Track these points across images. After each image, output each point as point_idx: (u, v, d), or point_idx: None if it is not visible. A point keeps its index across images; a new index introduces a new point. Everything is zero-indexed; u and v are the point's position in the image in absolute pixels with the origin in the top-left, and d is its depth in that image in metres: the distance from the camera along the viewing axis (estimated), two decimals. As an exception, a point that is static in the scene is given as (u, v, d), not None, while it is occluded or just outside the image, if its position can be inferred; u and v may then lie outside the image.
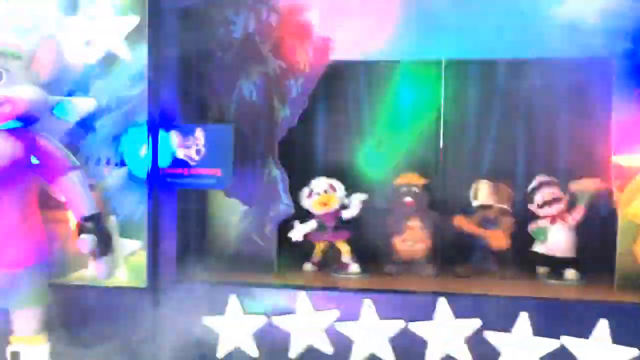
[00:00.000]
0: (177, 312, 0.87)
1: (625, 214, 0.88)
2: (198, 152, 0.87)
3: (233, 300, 0.87)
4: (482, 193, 0.99)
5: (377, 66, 1.05)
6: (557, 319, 0.83)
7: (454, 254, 1.00)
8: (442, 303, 0.84)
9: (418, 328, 0.85)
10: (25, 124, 0.79)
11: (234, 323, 0.87)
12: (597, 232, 0.98)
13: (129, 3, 0.85)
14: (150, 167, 0.86)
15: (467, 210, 1.00)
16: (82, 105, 0.86)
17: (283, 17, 0.97)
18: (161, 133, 0.88)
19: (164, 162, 0.88)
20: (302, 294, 0.86)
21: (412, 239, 0.98)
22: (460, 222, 0.98)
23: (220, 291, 0.88)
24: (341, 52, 0.96)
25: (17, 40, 0.82)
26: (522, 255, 0.99)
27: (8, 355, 0.80)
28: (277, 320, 0.87)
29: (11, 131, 0.77)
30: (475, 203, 1.00)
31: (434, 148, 1.03)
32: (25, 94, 0.78)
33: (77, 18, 0.87)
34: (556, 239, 0.97)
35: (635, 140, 0.88)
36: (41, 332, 0.81)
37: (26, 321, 0.80)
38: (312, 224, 0.99)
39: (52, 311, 0.83)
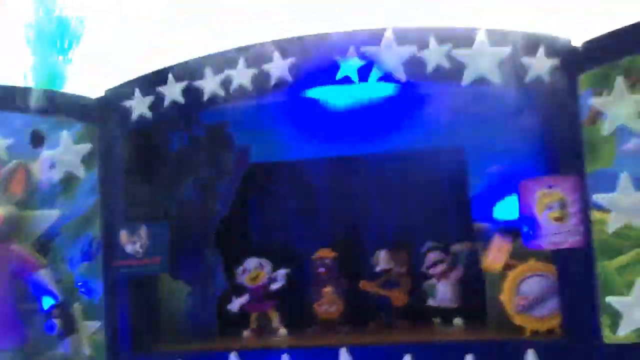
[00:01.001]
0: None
1: (484, 268, 1.09)
2: (142, 246, 1.08)
3: (178, 364, 1.07)
4: (383, 260, 1.20)
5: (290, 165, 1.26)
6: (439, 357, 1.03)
7: (364, 313, 1.20)
8: (346, 354, 1.03)
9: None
10: (4, 235, 1.02)
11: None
12: (475, 285, 1.18)
13: (83, 135, 1.08)
14: (104, 261, 1.07)
15: (372, 275, 1.21)
16: (48, 216, 1.08)
17: (210, 133, 1.21)
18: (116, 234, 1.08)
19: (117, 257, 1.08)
20: (234, 355, 1.05)
21: (328, 303, 1.19)
22: (365, 285, 1.19)
23: (169, 357, 1.08)
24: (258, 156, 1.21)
25: (-4, 169, 1.05)
26: (419, 308, 1.19)
27: None
28: (214, 378, 1.06)
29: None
30: (377, 268, 1.21)
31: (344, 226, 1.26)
32: (4, 211, 1.02)
33: (43, 148, 1.10)
34: (443, 293, 1.17)
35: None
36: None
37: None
38: (245, 297, 1.20)
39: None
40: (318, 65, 1.03)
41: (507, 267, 1.05)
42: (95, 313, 1.07)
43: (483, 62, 1.00)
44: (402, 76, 1.01)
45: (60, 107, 1.10)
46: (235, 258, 1.22)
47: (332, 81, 1.04)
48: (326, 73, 1.03)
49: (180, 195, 1.21)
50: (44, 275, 1.02)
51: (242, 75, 1.05)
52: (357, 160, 1.23)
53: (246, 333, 1.20)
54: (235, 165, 1.21)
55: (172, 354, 1.08)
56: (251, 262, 1.21)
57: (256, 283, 1.20)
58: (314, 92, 1.09)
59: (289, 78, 1.04)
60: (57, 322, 1.00)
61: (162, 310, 1.19)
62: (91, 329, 1.06)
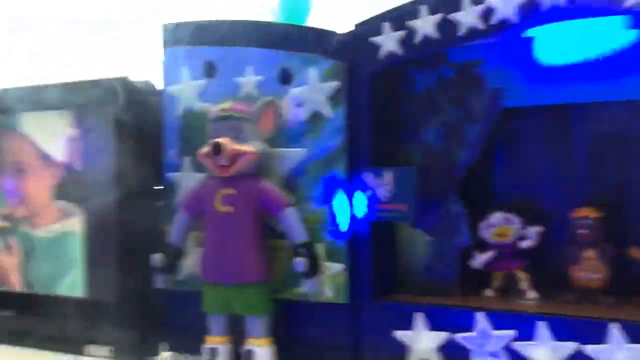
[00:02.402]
0: (372, 324, 1.03)
1: None
2: (387, 190, 1.02)
3: (420, 317, 1.01)
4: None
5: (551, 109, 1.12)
6: None
7: (632, 285, 1.04)
8: (616, 328, 0.89)
9: (592, 351, 0.91)
10: (255, 171, 1.03)
11: (421, 338, 1.00)
12: None
13: (331, 72, 1.05)
14: (349, 206, 1.04)
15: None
16: (295, 155, 1.07)
17: (458, 72, 1.11)
18: (358, 175, 1.05)
19: (360, 204, 1.04)
20: (481, 315, 0.97)
21: (589, 269, 1.04)
22: (637, 253, 1.02)
23: (408, 309, 1.02)
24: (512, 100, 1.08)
25: (247, 107, 1.06)
26: None
27: (243, 352, 1.02)
28: (458, 337, 0.98)
29: (246, 177, 1.01)
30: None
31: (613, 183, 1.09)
32: (255, 147, 1.02)
33: (290, 85, 1.08)
34: None
35: None
36: (267, 336, 1.03)
37: (257, 326, 1.02)
38: (490, 254, 1.10)
39: (274, 319, 1.05)
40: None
41: None
42: (338, 255, 1.04)
43: None
44: None
45: (309, 43, 1.07)
46: (479, 211, 1.12)
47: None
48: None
49: (424, 140, 1.13)
50: (292, 213, 1.01)
51: (507, 5, 0.93)
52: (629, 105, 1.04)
53: (488, 292, 1.11)
54: (485, 109, 1.09)
55: (411, 305, 1.03)
56: (497, 217, 1.11)
57: (503, 239, 1.09)
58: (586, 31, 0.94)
59: (563, 3, 0.89)
60: (303, 260, 0.99)
61: (400, 260, 1.14)
62: (333, 270, 1.04)
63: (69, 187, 1.17)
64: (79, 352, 1.13)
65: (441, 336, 0.99)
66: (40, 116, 1.23)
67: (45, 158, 1.21)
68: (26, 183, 1.24)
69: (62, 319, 1.17)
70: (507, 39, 1.03)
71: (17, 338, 1.21)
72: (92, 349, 1.12)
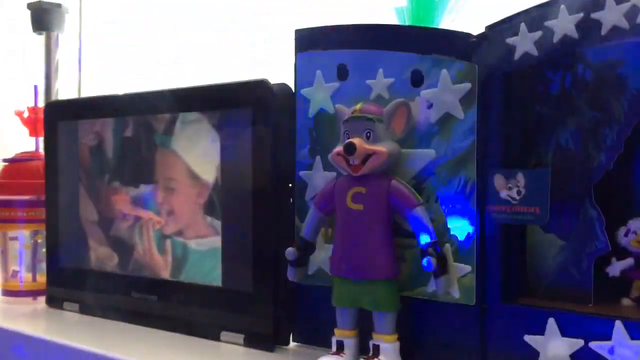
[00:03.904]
0: (500, 327, 1.02)
1: None
2: (519, 192, 1.01)
3: (552, 323, 0.99)
4: None
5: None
6: None
7: None
8: None
9: None
10: (385, 171, 1.05)
11: (553, 344, 0.98)
12: None
13: (463, 74, 1.05)
14: (477, 206, 1.04)
15: None
16: (425, 155, 1.09)
17: (597, 73, 1.07)
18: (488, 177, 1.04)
19: (489, 201, 1.04)
20: (619, 323, 0.94)
21: None
22: None
23: (540, 314, 1.00)
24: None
25: (379, 108, 1.09)
26: None
27: (371, 346, 1.05)
28: (593, 345, 0.95)
29: (377, 176, 1.04)
30: None
31: None
32: (386, 147, 1.05)
33: (421, 88, 1.10)
34: None
35: None
36: (394, 333, 1.05)
37: (383, 322, 1.04)
38: (629, 261, 1.05)
39: (400, 317, 1.06)
40: None
41: None
42: (466, 256, 1.04)
43: None
44: None
45: (441, 45, 1.08)
46: (618, 216, 1.07)
47: None
48: None
49: (559, 142, 1.10)
50: (421, 212, 1.02)
51: (653, 3, 0.89)
52: None
53: (626, 301, 1.06)
54: (626, 111, 1.05)
55: (543, 310, 1.01)
56: (637, 223, 1.06)
57: (643, 247, 1.04)
58: None
59: None
60: (431, 260, 1.00)
61: (532, 264, 1.12)
62: (461, 272, 1.04)
63: (214, 203, 1.25)
64: (216, 338, 1.20)
65: (574, 343, 0.96)
66: (188, 131, 1.31)
67: (194, 177, 1.30)
68: (176, 198, 1.33)
69: (199, 306, 1.26)
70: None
71: (159, 322, 1.31)
72: (227, 335, 1.19)
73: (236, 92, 1.23)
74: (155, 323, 1.32)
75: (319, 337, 1.15)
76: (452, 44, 1.07)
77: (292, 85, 1.24)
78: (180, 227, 1.33)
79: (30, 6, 1.98)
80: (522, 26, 1.01)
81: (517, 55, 1.02)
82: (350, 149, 1.01)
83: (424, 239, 1.02)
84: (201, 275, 1.28)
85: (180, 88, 1.34)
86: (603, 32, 0.94)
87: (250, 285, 1.18)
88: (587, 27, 0.96)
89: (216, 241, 1.24)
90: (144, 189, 1.39)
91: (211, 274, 1.25)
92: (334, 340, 1.07)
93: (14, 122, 1.79)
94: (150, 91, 1.40)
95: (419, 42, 1.11)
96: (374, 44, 1.15)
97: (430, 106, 1.08)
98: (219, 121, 1.26)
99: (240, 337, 1.18)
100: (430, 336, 1.08)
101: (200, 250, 1.28)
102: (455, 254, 1.05)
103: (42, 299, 1.61)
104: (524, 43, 1.01)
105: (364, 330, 1.07)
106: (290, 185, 1.21)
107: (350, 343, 1.06)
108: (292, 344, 1.19)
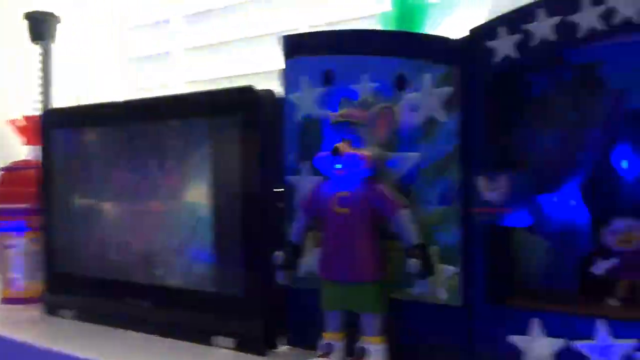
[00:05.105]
0: (485, 328, 1.03)
1: None
2: (502, 194, 1.02)
3: (536, 323, 0.99)
4: None
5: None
6: None
7: None
8: None
9: None
10: (370, 174, 1.07)
11: (538, 343, 0.99)
12: None
13: (445, 78, 1.06)
14: (461, 208, 1.05)
15: None
16: (409, 158, 1.10)
17: (577, 74, 1.08)
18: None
19: (473, 204, 1.05)
20: (602, 322, 0.94)
21: None
22: None
23: (525, 314, 1.01)
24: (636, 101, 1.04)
25: (363, 113, 1.10)
26: None
27: (356, 349, 1.06)
28: (577, 345, 0.96)
29: (362, 180, 1.05)
30: None
31: None
32: (371, 151, 1.06)
33: (405, 92, 1.11)
34: None
35: None
36: (381, 335, 1.06)
37: (371, 324, 1.05)
38: (613, 261, 1.06)
39: (387, 319, 1.08)
40: None
41: None
42: (452, 258, 1.05)
43: None
44: None
45: (424, 49, 1.09)
46: (602, 216, 1.08)
47: None
48: None
49: (542, 143, 1.11)
50: (405, 215, 1.03)
51: (627, 5, 0.90)
52: None
53: (612, 301, 1.06)
54: (607, 111, 1.06)
55: (528, 311, 1.01)
56: (621, 223, 1.06)
57: (628, 246, 1.05)
58: None
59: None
60: (416, 262, 1.01)
61: (516, 264, 1.13)
62: (447, 273, 1.05)
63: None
64: (207, 342, 1.22)
65: (558, 343, 0.97)
66: (177, 138, 1.34)
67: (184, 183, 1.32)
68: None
69: (191, 311, 1.27)
70: (631, 39, 1.00)
71: (153, 327, 1.32)
72: (218, 339, 1.20)
73: (223, 98, 1.25)
74: (149, 328, 1.33)
75: (310, 340, 1.16)
76: (435, 49, 1.08)
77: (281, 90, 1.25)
78: (172, 232, 1.34)
79: (27, 16, 2.00)
80: (502, 29, 1.02)
81: (498, 58, 1.03)
82: (334, 153, 1.02)
83: (409, 241, 1.03)
84: (193, 280, 1.29)
85: (168, 95, 1.35)
86: (580, 34, 0.95)
87: (241, 290, 1.20)
88: (565, 29, 0.97)
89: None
90: (138, 195, 1.40)
91: (202, 278, 1.27)
92: (322, 343, 1.08)
93: (7, 131, 1.81)
94: (142, 98, 1.42)
95: (403, 46, 1.12)
96: (359, 49, 1.17)
97: (414, 110, 1.09)
98: (207, 128, 1.27)
99: (231, 341, 1.20)
100: (416, 337, 1.09)
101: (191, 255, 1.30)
102: (441, 256, 1.06)
103: (38, 306, 1.63)
104: (504, 46, 1.02)
105: (353, 333, 1.08)
106: (279, 190, 1.22)
107: (338, 345, 1.07)
108: (283, 347, 1.20)
